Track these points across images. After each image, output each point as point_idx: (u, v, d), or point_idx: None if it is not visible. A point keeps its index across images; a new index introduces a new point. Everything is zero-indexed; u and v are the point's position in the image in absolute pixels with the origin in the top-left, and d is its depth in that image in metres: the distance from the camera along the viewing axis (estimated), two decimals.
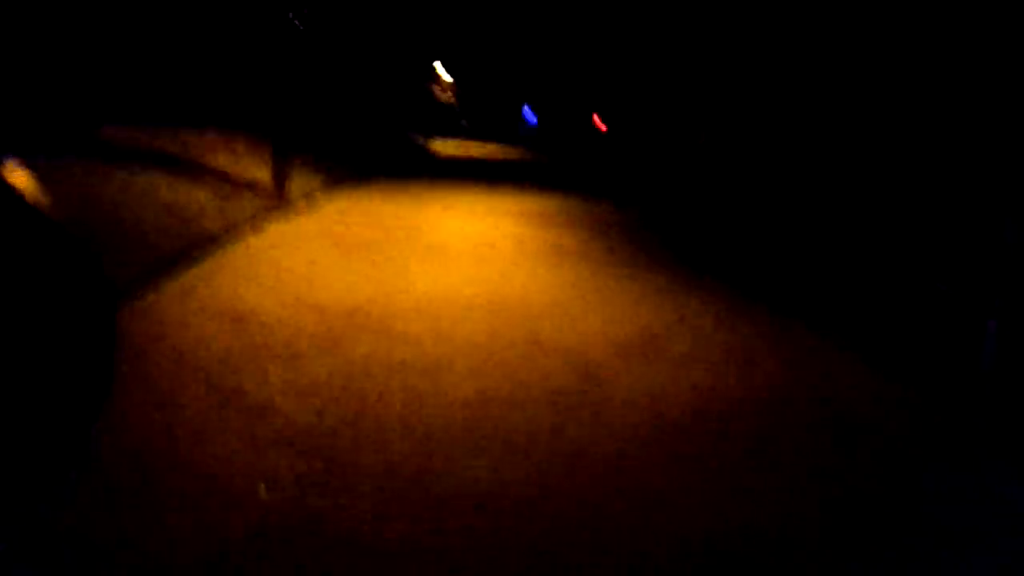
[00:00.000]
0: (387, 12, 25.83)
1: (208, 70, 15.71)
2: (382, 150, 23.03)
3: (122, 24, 13.08)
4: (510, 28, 36.94)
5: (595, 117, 31.67)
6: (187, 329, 5.05)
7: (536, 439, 3.82)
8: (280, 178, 11.71)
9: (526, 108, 48.83)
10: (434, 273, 7.42)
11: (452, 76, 43.99)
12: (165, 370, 4.30)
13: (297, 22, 13.74)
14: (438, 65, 41.35)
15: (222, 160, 12.35)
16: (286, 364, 4.58)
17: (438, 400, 4.23)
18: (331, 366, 4.61)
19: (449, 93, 45.14)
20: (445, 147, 32.96)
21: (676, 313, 6.65)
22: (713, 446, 3.94)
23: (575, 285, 7.41)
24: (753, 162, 15.48)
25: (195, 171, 11.00)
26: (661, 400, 4.50)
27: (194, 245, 7.39)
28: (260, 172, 12.21)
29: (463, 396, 4.31)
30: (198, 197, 9.34)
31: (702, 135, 19.02)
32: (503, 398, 4.33)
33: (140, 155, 10.65)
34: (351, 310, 5.83)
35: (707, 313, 6.76)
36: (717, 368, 5.23)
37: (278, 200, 10.96)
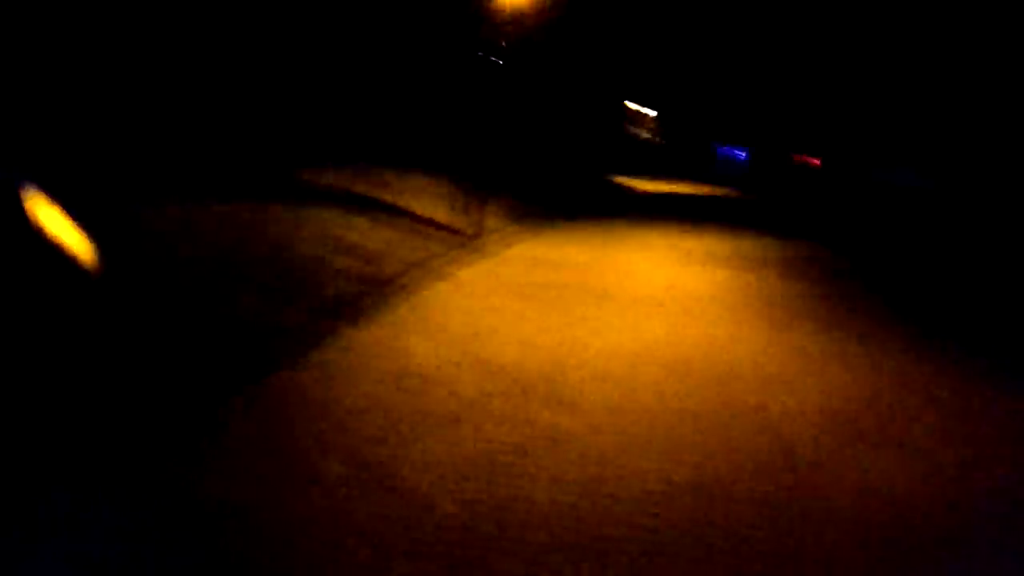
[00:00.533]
0: (582, 50, 25.49)
1: (406, 112, 15.96)
2: (579, 190, 22.59)
3: (318, 72, 13.52)
4: (710, 62, 35.48)
5: (803, 156, 29.74)
6: (347, 390, 4.58)
7: (728, 554, 2.94)
8: (476, 219, 11.45)
9: (728, 148, 46.86)
10: (631, 332, 6.58)
11: (652, 111, 43.00)
12: (311, 442, 3.80)
13: (498, 60, 13.59)
14: (634, 104, 40.66)
15: (415, 200, 12.24)
16: (443, 437, 3.96)
17: (611, 501, 3.43)
18: (491, 442, 3.94)
19: (650, 130, 44.22)
20: (643, 185, 32.07)
21: (915, 385, 5.46)
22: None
23: (795, 350, 6.35)
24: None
25: (384, 211, 10.90)
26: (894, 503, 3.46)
27: (373, 288, 7.07)
28: (454, 213, 11.97)
29: (645, 497, 3.49)
30: (384, 238, 9.12)
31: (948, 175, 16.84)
32: (690, 503, 3.46)
33: (332, 196, 10.71)
34: (535, 377, 5.16)
35: (946, 387, 5.51)
36: (955, 463, 4.09)
37: (470, 240, 10.62)
